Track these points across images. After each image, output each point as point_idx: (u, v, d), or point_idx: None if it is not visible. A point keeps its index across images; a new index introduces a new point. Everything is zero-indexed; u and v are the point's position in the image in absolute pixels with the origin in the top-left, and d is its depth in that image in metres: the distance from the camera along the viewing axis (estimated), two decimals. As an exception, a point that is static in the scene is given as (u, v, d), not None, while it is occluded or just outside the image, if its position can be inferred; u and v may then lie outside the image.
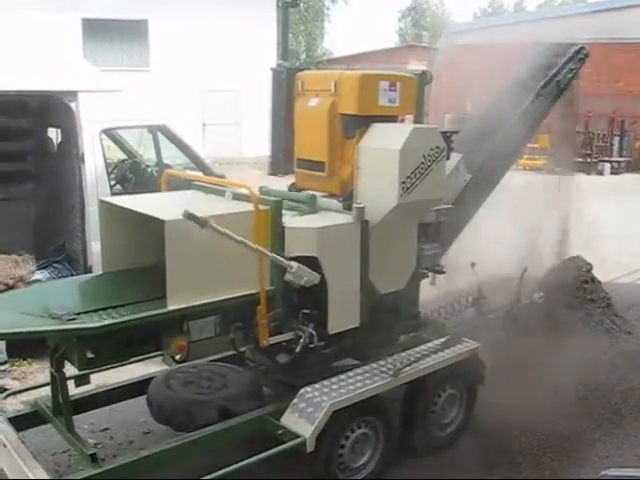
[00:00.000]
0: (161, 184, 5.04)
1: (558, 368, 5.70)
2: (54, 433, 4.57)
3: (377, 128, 4.72)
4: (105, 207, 4.61)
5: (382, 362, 4.86)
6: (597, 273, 7.59)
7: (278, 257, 4.25)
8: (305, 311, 4.46)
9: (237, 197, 4.55)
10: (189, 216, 3.74)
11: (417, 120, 5.13)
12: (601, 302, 7.37)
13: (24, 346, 6.14)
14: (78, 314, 3.88)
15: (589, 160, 22.62)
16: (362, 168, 4.70)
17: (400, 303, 5.13)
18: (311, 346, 4.47)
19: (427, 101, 5.16)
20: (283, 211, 4.45)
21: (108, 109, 7.14)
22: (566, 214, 7.18)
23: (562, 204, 7.19)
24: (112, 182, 7.53)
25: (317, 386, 4.50)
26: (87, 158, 6.87)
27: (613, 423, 5.56)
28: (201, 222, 3.78)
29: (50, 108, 7.31)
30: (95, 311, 3.95)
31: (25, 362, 6.53)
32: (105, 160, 7.15)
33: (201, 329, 4.15)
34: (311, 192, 4.95)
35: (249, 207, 4.23)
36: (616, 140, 25.61)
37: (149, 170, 7.85)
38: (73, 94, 6.85)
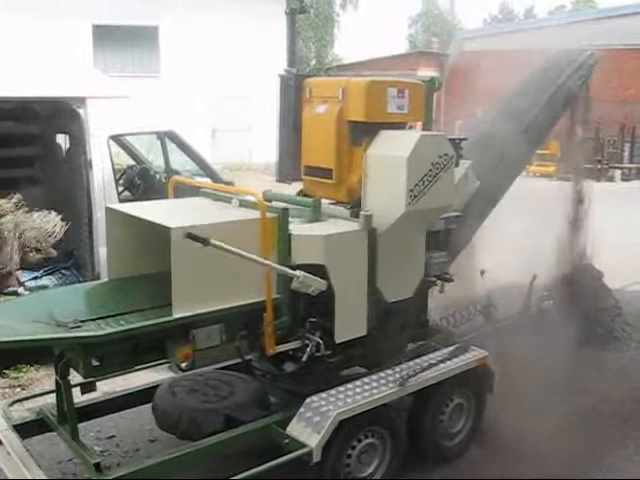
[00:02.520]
0: (168, 191, 5.03)
1: (567, 377, 5.64)
2: (60, 441, 4.55)
3: (385, 135, 4.69)
4: (112, 214, 4.60)
5: (389, 371, 4.82)
6: (608, 280, 7.52)
7: (284, 268, 4.23)
8: (312, 319, 4.43)
9: (244, 204, 4.53)
10: (190, 236, 3.73)
11: (426, 127, 5.10)
12: (611, 310, 7.31)
13: (30, 352, 6.13)
14: (83, 321, 3.87)
15: (600, 166, 22.51)
16: (370, 175, 4.67)
17: (408, 311, 5.10)
18: (318, 355, 4.44)
19: (437, 107, 5.12)
20: (290, 218, 4.43)
21: (117, 115, 7.15)
22: (577, 221, 7.14)
23: (573, 211, 7.15)
24: (120, 188, 7.54)
25: (324, 395, 4.47)
26: (95, 164, 6.87)
27: (624, 433, 5.49)
28: (203, 241, 3.76)
29: (59, 114, 7.32)
30: (100, 319, 3.93)
31: (32, 368, 6.54)
32: (113, 166, 7.14)
33: (207, 337, 4.11)
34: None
35: (256, 214, 4.22)
36: (627, 146, 25.49)
37: (157, 176, 7.84)
38: (81, 100, 6.86)
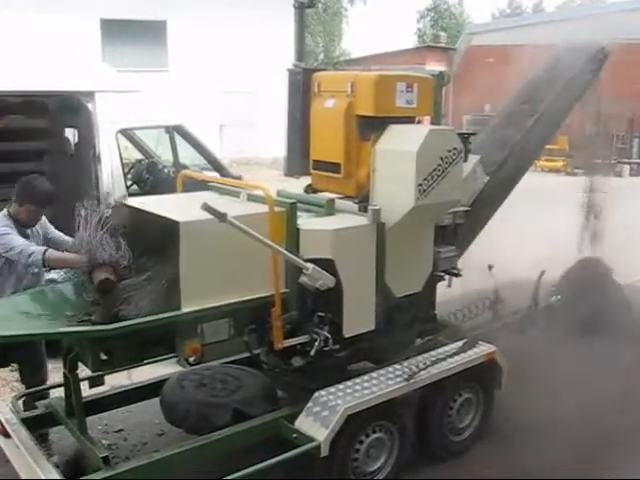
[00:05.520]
0: (177, 185, 5.04)
1: (574, 374, 5.60)
2: (68, 434, 4.56)
3: (394, 129, 4.68)
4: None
5: (397, 366, 4.81)
6: (617, 276, 7.46)
7: (294, 257, 4.23)
8: (320, 314, 4.42)
9: (252, 198, 4.53)
10: (208, 209, 3.73)
11: (434, 121, 5.08)
12: (621, 305, 7.26)
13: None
14: (91, 315, 3.87)
15: (608, 161, 22.37)
16: (378, 170, 4.66)
17: (416, 306, 5.09)
18: (326, 349, 4.43)
19: (445, 102, 5.12)
20: (299, 213, 4.43)
21: (125, 109, 7.15)
22: (587, 215, 7.11)
23: (582, 205, 7.12)
24: (129, 182, 7.54)
25: (332, 390, 4.47)
26: (103, 158, 6.87)
27: (630, 433, 5.41)
28: (220, 216, 3.76)
29: (67, 108, 7.32)
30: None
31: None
32: (121, 160, 7.15)
33: (215, 331, 4.12)
34: (328, 195, 4.93)
35: (264, 209, 4.21)
36: (635, 142, 25.38)
37: (166, 170, 7.85)
38: (90, 94, 6.87)
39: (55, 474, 3.97)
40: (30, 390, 5.07)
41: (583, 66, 6.53)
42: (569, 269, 7.24)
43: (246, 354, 4.67)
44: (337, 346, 4.51)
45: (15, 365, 6.31)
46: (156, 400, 4.82)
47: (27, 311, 3.97)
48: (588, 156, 7.31)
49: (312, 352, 4.41)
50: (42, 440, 4.50)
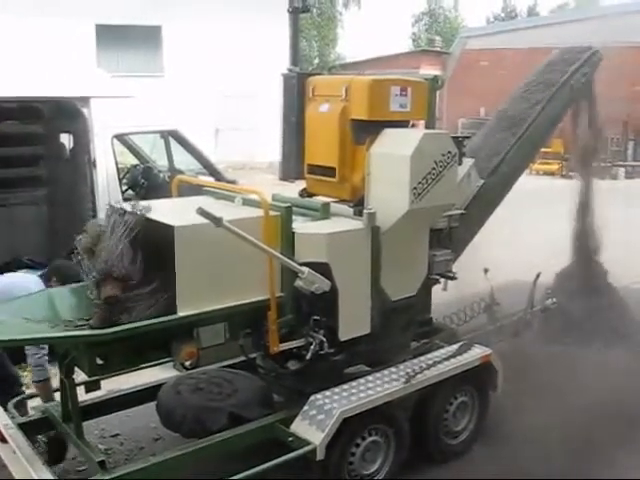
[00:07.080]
0: (172, 190, 5.05)
1: (569, 377, 5.61)
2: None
3: (388, 133, 4.70)
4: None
5: (393, 369, 4.82)
6: (614, 278, 7.47)
7: (290, 261, 4.24)
8: (316, 318, 4.43)
9: (247, 203, 4.53)
10: (203, 213, 3.74)
11: (429, 125, 5.10)
12: (617, 308, 7.27)
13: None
14: (88, 320, 3.88)
15: (603, 164, 22.40)
16: (373, 174, 4.68)
17: (412, 309, 5.10)
18: (322, 353, 4.44)
19: (440, 105, 5.14)
20: (294, 217, 4.44)
21: (121, 114, 7.16)
22: (583, 218, 7.13)
23: (578, 208, 7.14)
24: (124, 187, 7.54)
25: (328, 393, 4.48)
26: (99, 163, 6.88)
27: (627, 437, 5.37)
28: (215, 221, 3.77)
29: (63, 114, 7.33)
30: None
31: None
32: (117, 165, 7.16)
33: (211, 335, 4.13)
34: (323, 199, 4.94)
35: (259, 213, 4.22)
36: (630, 144, 25.45)
37: (161, 175, 7.85)
38: (85, 100, 6.88)
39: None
40: (27, 395, 5.07)
41: (576, 69, 6.55)
42: (563, 270, 7.26)
43: (242, 358, 4.68)
44: (333, 350, 4.52)
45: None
46: (152, 405, 4.82)
47: (27, 315, 3.98)
48: (583, 159, 7.31)
49: (308, 356, 4.42)
50: None
